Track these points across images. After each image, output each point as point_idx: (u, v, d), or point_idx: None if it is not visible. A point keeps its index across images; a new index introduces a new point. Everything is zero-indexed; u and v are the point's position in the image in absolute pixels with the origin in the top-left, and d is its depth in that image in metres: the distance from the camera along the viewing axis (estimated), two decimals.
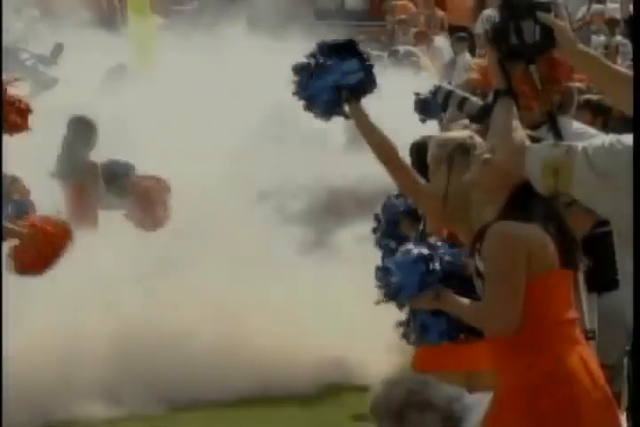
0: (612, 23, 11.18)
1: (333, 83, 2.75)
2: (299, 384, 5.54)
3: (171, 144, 6.39)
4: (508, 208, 2.63)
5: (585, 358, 2.63)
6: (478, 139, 2.92)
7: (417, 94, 4.66)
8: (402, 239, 3.64)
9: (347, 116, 2.85)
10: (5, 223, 4.30)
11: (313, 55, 2.84)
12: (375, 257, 4.04)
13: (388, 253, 3.60)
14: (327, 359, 5.64)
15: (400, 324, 2.70)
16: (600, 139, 2.41)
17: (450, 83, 5.92)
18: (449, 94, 4.48)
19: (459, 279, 2.62)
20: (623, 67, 2.76)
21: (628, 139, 2.34)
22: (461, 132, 3.37)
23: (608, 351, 3.54)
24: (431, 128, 5.04)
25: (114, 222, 6.13)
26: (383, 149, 2.91)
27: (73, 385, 5.25)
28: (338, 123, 3.10)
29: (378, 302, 2.61)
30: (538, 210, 2.61)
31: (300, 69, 2.83)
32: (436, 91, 4.64)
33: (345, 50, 2.80)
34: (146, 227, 5.90)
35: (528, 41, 2.35)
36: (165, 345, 5.50)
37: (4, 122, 4.14)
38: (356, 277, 5.39)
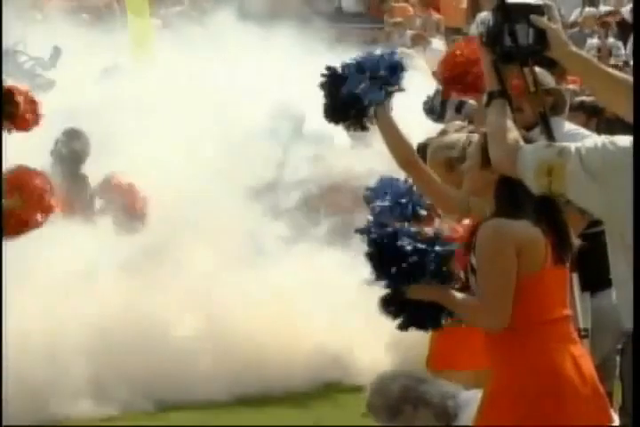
0: (604, 26, 11.24)
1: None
2: (292, 381, 5.50)
3: (166, 140, 6.36)
4: (499, 205, 2.67)
5: (576, 355, 2.66)
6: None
7: (428, 97, 4.71)
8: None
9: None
10: None
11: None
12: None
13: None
14: (322, 354, 5.60)
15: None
16: (593, 140, 2.42)
17: None
18: (461, 105, 4.54)
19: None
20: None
21: (620, 140, 2.36)
22: (460, 134, 3.41)
23: (596, 350, 3.57)
24: (431, 128, 5.06)
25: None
26: (403, 153, 3.03)
27: (57, 381, 5.18)
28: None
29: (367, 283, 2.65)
30: (531, 206, 2.63)
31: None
32: (435, 94, 4.69)
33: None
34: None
35: (522, 43, 2.38)
36: (148, 341, 5.43)
37: (15, 117, 4.16)
38: (351, 267, 5.43)
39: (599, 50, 10.69)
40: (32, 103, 4.32)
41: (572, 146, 2.36)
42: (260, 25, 7.75)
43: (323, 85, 3.00)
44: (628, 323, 2.38)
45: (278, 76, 7.26)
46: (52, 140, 6.22)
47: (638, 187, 2.24)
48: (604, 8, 12.05)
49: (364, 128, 3.01)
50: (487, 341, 2.70)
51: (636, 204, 2.26)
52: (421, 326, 2.71)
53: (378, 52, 3.05)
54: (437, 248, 2.62)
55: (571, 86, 7.35)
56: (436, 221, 3.28)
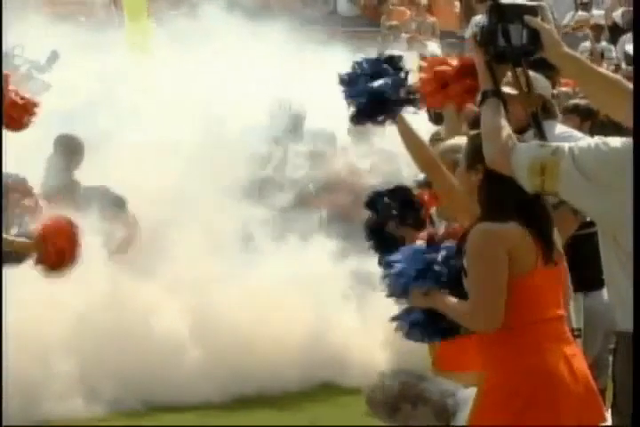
0: (596, 29, 11.31)
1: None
2: (284, 381, 5.48)
3: (156, 138, 6.35)
4: (485, 209, 2.71)
5: (568, 355, 2.69)
6: None
7: None
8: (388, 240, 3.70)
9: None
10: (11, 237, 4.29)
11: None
12: None
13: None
14: (315, 352, 5.61)
15: (394, 318, 2.76)
16: (586, 141, 2.45)
17: None
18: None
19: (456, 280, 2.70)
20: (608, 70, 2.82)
21: (614, 141, 2.39)
22: (462, 137, 3.45)
23: (588, 349, 3.60)
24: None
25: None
26: (423, 156, 3.16)
27: (44, 379, 5.16)
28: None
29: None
30: (515, 208, 2.67)
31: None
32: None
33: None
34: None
35: (515, 44, 2.42)
36: (136, 339, 5.42)
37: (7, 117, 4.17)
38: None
39: (591, 53, 10.75)
40: (24, 103, 4.32)
41: (566, 145, 2.38)
42: (251, 19, 7.75)
43: (348, 81, 3.09)
44: (621, 323, 2.41)
45: (274, 71, 7.26)
46: (46, 142, 6.24)
47: (638, 187, 2.26)
48: (596, 12, 12.13)
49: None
50: (480, 341, 2.73)
51: (636, 205, 2.28)
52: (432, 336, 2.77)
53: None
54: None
55: (564, 89, 7.40)
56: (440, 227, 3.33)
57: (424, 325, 2.72)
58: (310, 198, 6.70)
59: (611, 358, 2.74)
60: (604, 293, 3.11)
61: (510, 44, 2.41)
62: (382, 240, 3.77)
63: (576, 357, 2.72)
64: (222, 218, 6.03)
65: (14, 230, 4.66)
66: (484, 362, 2.74)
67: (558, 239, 2.80)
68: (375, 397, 2.98)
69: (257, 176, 6.59)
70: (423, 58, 4.35)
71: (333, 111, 6.70)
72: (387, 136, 6.27)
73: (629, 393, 2.36)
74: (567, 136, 3.68)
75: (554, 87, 4.43)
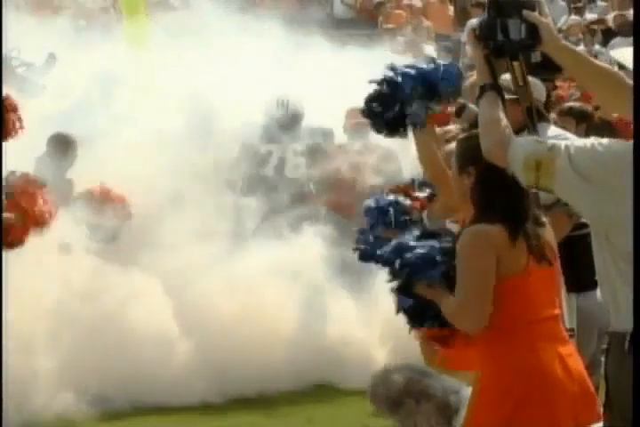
0: (590, 33, 11.36)
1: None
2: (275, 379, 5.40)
3: (150, 136, 6.36)
4: (477, 211, 2.75)
5: (563, 354, 2.72)
6: None
7: None
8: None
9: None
10: None
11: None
12: None
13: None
14: (308, 349, 5.54)
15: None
16: (582, 141, 2.47)
17: None
18: (461, 109, 4.60)
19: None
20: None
21: (610, 142, 2.40)
22: None
23: (583, 350, 3.62)
24: None
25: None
26: (435, 168, 3.28)
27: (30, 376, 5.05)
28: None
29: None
30: (506, 209, 2.71)
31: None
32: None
33: None
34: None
35: (514, 38, 2.46)
36: (123, 338, 5.33)
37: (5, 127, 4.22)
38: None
39: None
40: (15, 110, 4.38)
41: (562, 143, 2.40)
42: (245, 14, 7.79)
43: (376, 96, 3.18)
44: (614, 323, 2.43)
45: (271, 67, 7.23)
46: (40, 143, 6.22)
47: (638, 187, 2.27)
48: (589, 16, 12.19)
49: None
50: (475, 340, 2.76)
51: (636, 205, 2.29)
52: (421, 321, 2.80)
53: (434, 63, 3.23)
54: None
55: (559, 92, 7.44)
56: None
57: (412, 311, 2.76)
58: (310, 197, 6.69)
59: (602, 358, 2.77)
60: (598, 293, 3.14)
61: (509, 39, 2.46)
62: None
63: (571, 356, 2.76)
64: (212, 208, 6.01)
65: None
66: (479, 360, 2.77)
67: (553, 240, 2.83)
68: (378, 391, 2.99)
69: (256, 175, 6.59)
70: None
71: (330, 108, 6.78)
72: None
73: (622, 392, 2.37)
74: (562, 139, 3.70)
75: (551, 90, 4.46)
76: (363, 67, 6.32)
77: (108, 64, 7.35)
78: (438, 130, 4.20)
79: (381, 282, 3.15)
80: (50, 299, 5.34)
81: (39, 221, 4.65)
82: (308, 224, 6.13)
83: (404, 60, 4.08)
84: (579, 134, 4.37)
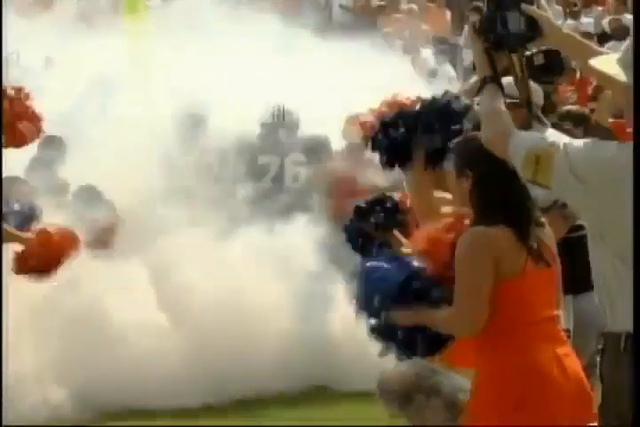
0: (585, 37, 11.40)
1: None
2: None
3: (142, 140, 6.38)
4: (476, 214, 2.77)
5: (560, 355, 2.75)
6: None
7: None
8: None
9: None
10: (12, 229, 4.40)
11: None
12: None
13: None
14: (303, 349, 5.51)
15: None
16: (580, 141, 2.49)
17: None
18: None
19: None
20: None
21: (605, 144, 2.43)
22: None
23: (582, 351, 3.65)
24: None
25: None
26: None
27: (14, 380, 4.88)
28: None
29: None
30: (505, 210, 2.73)
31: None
32: (443, 96, 4.77)
33: None
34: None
35: (514, 30, 2.50)
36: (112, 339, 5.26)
37: (11, 134, 4.24)
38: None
39: None
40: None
41: (562, 142, 2.43)
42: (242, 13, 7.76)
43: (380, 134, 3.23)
44: (610, 324, 2.44)
45: (268, 71, 7.22)
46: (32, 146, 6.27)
47: (638, 188, 2.28)
48: (585, 20, 12.24)
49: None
50: (473, 340, 2.79)
51: (636, 205, 2.30)
52: (414, 352, 2.82)
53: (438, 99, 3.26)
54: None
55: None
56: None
57: (403, 344, 2.78)
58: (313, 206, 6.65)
59: (598, 359, 2.79)
60: (594, 295, 3.16)
61: (508, 31, 2.50)
62: (364, 243, 3.77)
63: (568, 357, 2.78)
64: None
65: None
66: (477, 361, 2.80)
67: (553, 241, 2.86)
68: (389, 386, 3.00)
69: (256, 189, 6.55)
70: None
71: (326, 114, 6.77)
72: None
73: (617, 393, 2.39)
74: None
75: (553, 92, 4.49)
76: (360, 69, 6.34)
77: (104, 66, 7.37)
78: None
79: None
80: (31, 290, 5.21)
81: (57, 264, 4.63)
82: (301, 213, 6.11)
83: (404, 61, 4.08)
84: (577, 137, 4.39)
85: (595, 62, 2.41)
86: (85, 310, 5.29)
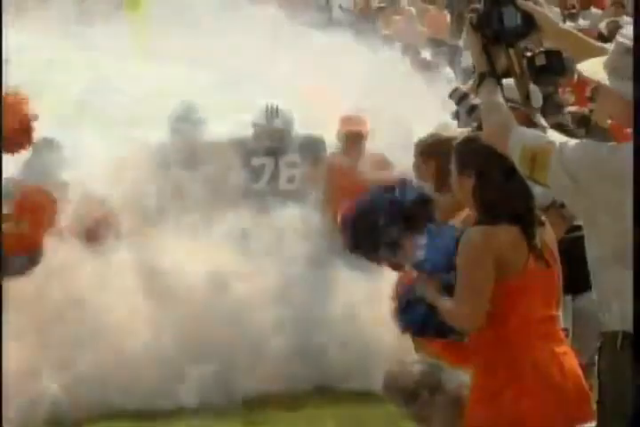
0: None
1: None
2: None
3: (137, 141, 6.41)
4: (479, 212, 2.81)
5: (558, 352, 2.78)
6: None
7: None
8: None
9: None
10: None
11: None
12: None
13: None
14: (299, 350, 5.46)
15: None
16: (575, 141, 2.52)
17: None
18: (463, 97, 4.67)
19: None
20: None
21: (600, 145, 2.46)
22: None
23: (583, 351, 3.67)
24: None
25: None
26: None
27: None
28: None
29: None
30: (510, 210, 2.76)
31: None
32: (453, 92, 4.82)
33: None
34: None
35: (510, 25, 2.53)
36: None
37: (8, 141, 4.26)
38: None
39: None
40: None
41: (558, 142, 2.45)
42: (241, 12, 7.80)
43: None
44: (608, 323, 2.47)
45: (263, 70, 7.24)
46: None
47: (638, 188, 2.31)
48: (582, 22, 12.29)
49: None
50: (471, 338, 2.83)
51: (636, 205, 2.32)
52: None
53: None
54: None
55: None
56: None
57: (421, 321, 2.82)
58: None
59: (596, 357, 2.81)
60: (593, 294, 3.18)
61: (505, 26, 2.53)
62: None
63: (567, 355, 2.81)
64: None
65: None
66: (474, 359, 2.83)
67: (554, 240, 2.88)
68: (394, 383, 3.03)
69: (251, 189, 6.54)
70: None
71: (321, 113, 6.75)
72: (376, 140, 6.31)
73: (614, 391, 2.42)
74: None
75: (555, 93, 4.51)
76: (359, 71, 6.35)
77: (102, 70, 7.39)
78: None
79: None
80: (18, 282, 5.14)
81: (49, 225, 4.63)
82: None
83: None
84: (579, 138, 4.42)
85: (582, 66, 2.44)
86: (70, 301, 5.21)
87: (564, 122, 5.61)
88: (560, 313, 2.95)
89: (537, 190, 2.79)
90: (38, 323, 5.20)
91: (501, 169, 2.62)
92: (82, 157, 6.36)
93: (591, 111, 6.41)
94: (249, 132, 6.75)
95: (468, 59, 10.21)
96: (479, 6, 2.63)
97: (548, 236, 2.87)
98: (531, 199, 2.79)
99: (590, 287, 2.76)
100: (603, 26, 11.75)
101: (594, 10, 12.90)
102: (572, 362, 2.81)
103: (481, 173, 2.76)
